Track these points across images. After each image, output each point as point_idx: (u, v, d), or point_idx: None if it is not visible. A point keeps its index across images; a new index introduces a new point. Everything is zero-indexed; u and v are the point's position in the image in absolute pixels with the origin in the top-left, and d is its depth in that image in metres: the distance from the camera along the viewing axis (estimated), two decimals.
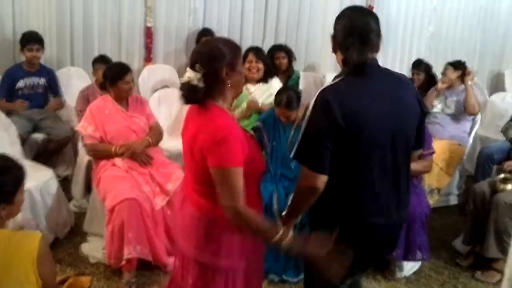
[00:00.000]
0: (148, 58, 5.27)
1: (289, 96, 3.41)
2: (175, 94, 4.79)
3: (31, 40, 4.40)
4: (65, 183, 4.27)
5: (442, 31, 6.57)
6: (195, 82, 1.89)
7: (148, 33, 5.20)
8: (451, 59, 5.41)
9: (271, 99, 3.85)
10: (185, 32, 5.39)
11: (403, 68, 6.33)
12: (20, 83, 4.42)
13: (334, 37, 2.01)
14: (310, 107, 1.92)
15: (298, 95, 3.49)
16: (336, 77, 1.97)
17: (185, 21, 5.35)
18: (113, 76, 3.49)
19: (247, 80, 4.08)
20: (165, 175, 3.43)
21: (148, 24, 5.18)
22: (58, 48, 4.91)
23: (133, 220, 3.12)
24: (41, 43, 4.46)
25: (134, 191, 3.21)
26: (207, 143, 1.86)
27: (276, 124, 3.54)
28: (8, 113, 4.29)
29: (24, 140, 4.17)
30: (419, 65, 5.08)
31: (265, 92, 4.13)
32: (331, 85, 1.96)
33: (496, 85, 6.90)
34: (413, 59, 5.93)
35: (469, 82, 4.52)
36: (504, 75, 6.82)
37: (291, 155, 1.96)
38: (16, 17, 4.68)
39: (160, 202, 3.31)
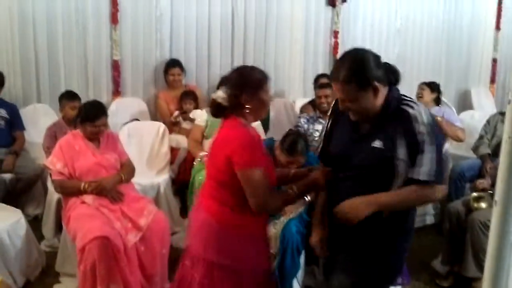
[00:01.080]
0: (116, 91, 5.21)
1: (292, 140, 3.19)
2: (145, 127, 4.77)
3: None
4: (35, 222, 4.17)
5: (407, 52, 6.69)
6: (220, 101, 2.21)
7: (115, 66, 5.16)
8: (417, 80, 5.53)
9: None
10: (153, 63, 5.35)
11: None
12: None
13: (373, 78, 2.01)
14: (426, 127, 2.00)
15: (304, 142, 3.26)
16: (409, 100, 2.10)
17: (152, 53, 5.33)
18: (83, 117, 3.45)
19: None
20: (137, 210, 3.36)
21: (115, 57, 5.13)
22: (23, 84, 4.82)
23: (105, 259, 3.04)
24: (1, 82, 4.40)
25: (105, 228, 3.13)
26: (232, 148, 2.14)
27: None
28: None
29: None
30: None
31: None
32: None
33: (464, 103, 7.05)
34: None
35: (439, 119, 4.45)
36: (471, 93, 6.98)
37: (427, 178, 2.00)
38: None
39: (132, 238, 3.22)
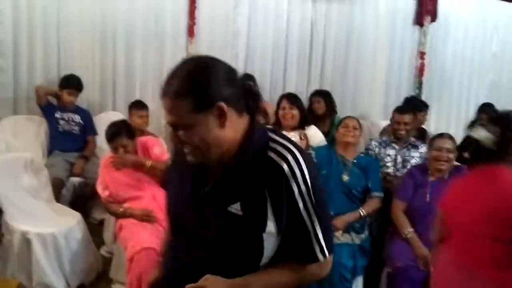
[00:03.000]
0: None
1: None
2: None
3: (70, 83, 4.50)
4: (100, 227, 4.21)
5: (503, 79, 6.17)
6: (485, 143, 1.84)
7: None
8: None
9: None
10: None
11: (460, 119, 5.95)
12: (57, 114, 4.48)
13: (218, 96, 1.41)
14: (305, 188, 1.45)
15: None
16: (281, 143, 1.48)
17: None
18: (106, 136, 3.47)
19: (282, 127, 3.92)
20: None
21: None
22: (101, 92, 4.95)
23: (151, 271, 2.96)
24: (79, 88, 4.54)
25: (153, 240, 3.07)
26: None
27: (331, 154, 3.53)
28: (49, 154, 4.41)
29: (62, 184, 4.19)
30: (487, 108, 4.71)
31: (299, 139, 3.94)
32: None
33: None
34: (471, 109, 5.61)
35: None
36: None
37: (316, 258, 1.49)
38: (61, 60, 4.76)
39: None
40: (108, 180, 3.42)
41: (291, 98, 4.05)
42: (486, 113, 4.59)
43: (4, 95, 4.59)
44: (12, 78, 4.60)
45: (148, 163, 3.42)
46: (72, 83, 4.50)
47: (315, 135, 4.01)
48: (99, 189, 3.45)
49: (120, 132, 3.45)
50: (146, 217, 3.30)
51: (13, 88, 4.62)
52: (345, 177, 3.43)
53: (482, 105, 4.89)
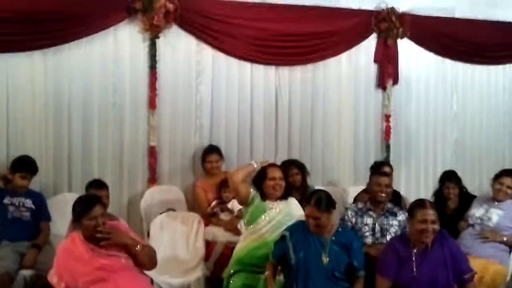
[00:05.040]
0: (152, 179, 4.90)
1: (320, 196, 3.27)
2: (179, 218, 4.40)
3: (24, 166, 4.14)
4: None
5: (466, 137, 6.18)
6: None
7: (152, 153, 4.89)
8: (479, 167, 4.96)
9: (289, 221, 3.53)
10: (191, 150, 5.08)
11: (428, 180, 5.87)
12: (6, 200, 4.08)
13: None
14: None
15: (330, 199, 3.31)
16: None
17: (191, 139, 5.07)
18: (77, 212, 3.11)
19: (267, 197, 3.70)
20: None
21: (152, 144, 4.88)
22: (54, 171, 4.59)
23: None
24: (34, 171, 4.19)
25: None
26: None
27: (306, 234, 3.23)
28: None
29: (11, 279, 3.75)
30: (451, 177, 4.65)
31: (283, 210, 3.70)
32: None
33: None
34: (439, 169, 5.54)
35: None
36: None
37: None
38: (11, 139, 4.45)
39: None
40: (63, 270, 3.01)
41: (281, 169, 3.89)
42: (451, 179, 4.62)
43: None
44: None
45: (139, 246, 3.10)
46: (26, 165, 4.16)
47: (297, 208, 3.75)
48: (53, 280, 3.04)
49: (95, 200, 3.13)
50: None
51: None
52: (325, 259, 3.18)
53: (444, 172, 4.84)
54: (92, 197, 3.21)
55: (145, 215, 4.60)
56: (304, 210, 3.34)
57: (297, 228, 3.34)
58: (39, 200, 4.23)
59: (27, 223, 4.13)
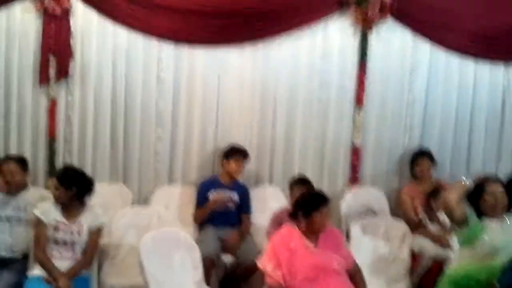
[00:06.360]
0: (354, 179, 4.63)
1: None
2: (383, 225, 4.04)
3: (239, 152, 4.22)
4: None
5: None
6: None
7: (355, 152, 4.62)
8: None
9: None
10: (399, 151, 4.71)
11: None
12: (212, 195, 4.16)
13: None
14: None
15: None
16: None
17: (399, 140, 4.70)
18: (307, 205, 3.00)
19: (485, 214, 3.14)
20: None
21: (356, 142, 4.61)
22: (257, 164, 4.58)
23: None
24: (247, 157, 4.26)
25: None
26: None
27: None
28: (200, 228, 4.09)
29: (212, 262, 3.79)
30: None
31: (505, 229, 3.11)
32: None
33: None
34: None
35: None
36: None
37: None
38: (219, 128, 4.53)
39: None
40: (283, 260, 2.90)
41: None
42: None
43: (160, 165, 4.45)
44: (169, 147, 4.46)
45: None
46: (241, 151, 4.24)
47: None
48: (267, 267, 2.93)
49: (326, 198, 3.08)
50: None
51: (169, 157, 4.47)
52: None
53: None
54: (322, 194, 3.12)
55: (345, 216, 4.34)
56: None
57: None
58: (244, 194, 4.25)
59: (232, 214, 4.18)
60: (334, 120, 4.65)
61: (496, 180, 3.31)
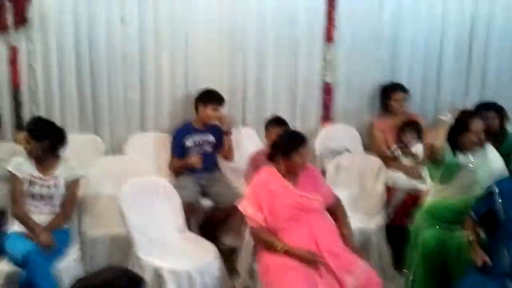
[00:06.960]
0: (326, 117, 4.65)
1: None
2: (357, 161, 4.11)
3: (216, 99, 4.13)
4: (231, 255, 3.79)
5: None
6: None
7: (327, 90, 4.61)
8: None
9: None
10: (369, 87, 4.70)
11: None
12: (189, 142, 4.11)
13: None
14: None
15: None
16: None
17: (369, 75, 4.68)
18: (286, 146, 2.99)
19: (462, 150, 3.18)
20: (344, 266, 2.75)
21: (327, 79, 4.59)
22: (229, 107, 4.50)
23: None
24: (223, 103, 4.18)
25: None
26: None
27: None
28: (177, 175, 4.07)
29: (192, 208, 3.82)
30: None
31: (481, 165, 3.20)
32: None
33: None
34: None
35: None
36: None
37: None
38: (189, 72, 4.41)
39: None
40: (263, 202, 2.92)
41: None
42: None
43: (131, 113, 4.36)
44: (139, 94, 4.35)
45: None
46: (218, 98, 4.15)
47: (495, 159, 3.25)
48: (248, 210, 2.95)
49: (305, 138, 3.06)
50: (310, 261, 2.76)
51: (139, 104, 4.37)
52: None
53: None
54: (301, 135, 3.09)
55: (319, 155, 4.38)
56: None
57: (506, 183, 2.87)
58: (219, 132, 4.22)
59: (209, 156, 4.16)
60: (304, 58, 4.58)
61: (478, 116, 3.29)
